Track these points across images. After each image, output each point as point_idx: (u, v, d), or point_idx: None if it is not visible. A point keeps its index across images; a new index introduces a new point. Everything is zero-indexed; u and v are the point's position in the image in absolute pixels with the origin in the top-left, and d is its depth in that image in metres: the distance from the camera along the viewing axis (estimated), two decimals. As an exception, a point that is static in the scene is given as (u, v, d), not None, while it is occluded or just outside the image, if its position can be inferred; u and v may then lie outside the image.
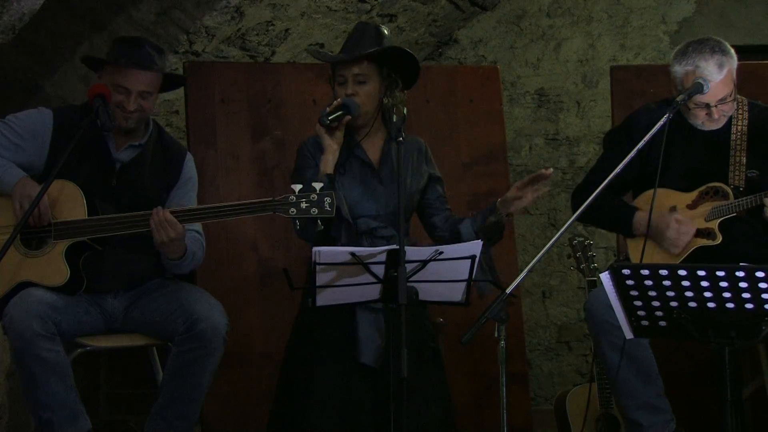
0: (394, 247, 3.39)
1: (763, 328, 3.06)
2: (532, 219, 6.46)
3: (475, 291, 3.60)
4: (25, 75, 4.95)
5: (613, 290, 3.15)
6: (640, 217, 3.97)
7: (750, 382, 4.31)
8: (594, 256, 4.51)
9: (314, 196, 3.54)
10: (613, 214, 4.06)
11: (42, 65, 4.93)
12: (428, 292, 3.46)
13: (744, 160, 3.93)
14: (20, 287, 3.75)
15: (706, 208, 3.92)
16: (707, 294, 3.04)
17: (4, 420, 4.84)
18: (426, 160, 3.98)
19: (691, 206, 3.96)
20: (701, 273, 3.01)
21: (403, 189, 3.70)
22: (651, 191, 3.90)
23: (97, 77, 3.94)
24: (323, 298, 3.44)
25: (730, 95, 3.90)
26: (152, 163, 3.99)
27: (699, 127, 3.98)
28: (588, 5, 6.42)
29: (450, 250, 3.44)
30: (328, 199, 3.54)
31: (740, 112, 4.00)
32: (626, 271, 3.08)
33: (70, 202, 3.78)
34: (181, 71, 5.05)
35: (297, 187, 3.57)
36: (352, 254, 3.36)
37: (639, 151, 3.54)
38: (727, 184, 3.92)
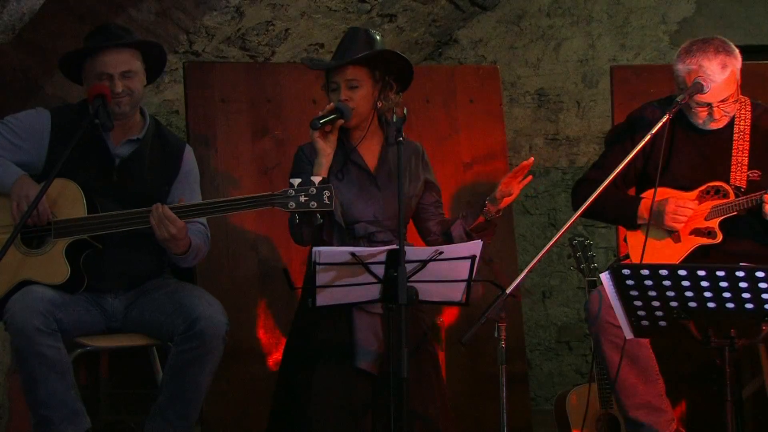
0: (394, 247, 3.39)
1: (763, 328, 3.06)
2: (532, 219, 6.46)
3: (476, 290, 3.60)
4: (25, 75, 4.95)
5: (613, 290, 3.15)
6: (646, 205, 3.97)
7: (750, 382, 4.31)
8: (594, 256, 4.51)
9: (313, 190, 3.56)
10: (618, 206, 4.05)
11: (42, 65, 4.93)
12: (428, 292, 3.46)
13: (746, 160, 3.94)
14: (21, 286, 3.75)
15: (706, 207, 3.93)
16: (707, 294, 3.04)
17: (4, 420, 4.84)
18: (423, 164, 3.99)
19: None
20: (701, 273, 3.01)
21: (403, 188, 3.70)
22: (652, 190, 3.91)
23: (83, 80, 3.93)
24: (323, 298, 3.44)
25: (733, 95, 3.90)
26: (151, 157, 3.99)
27: (701, 127, 3.98)
28: (588, 5, 6.42)
29: (450, 250, 3.45)
30: (327, 193, 3.55)
31: (743, 112, 3.99)
32: (626, 271, 3.08)
33: (69, 200, 3.79)
34: (181, 71, 5.06)
35: (296, 182, 3.58)
36: (352, 254, 3.36)
37: (643, 148, 3.54)
38: (728, 183, 3.92)
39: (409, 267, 3.36)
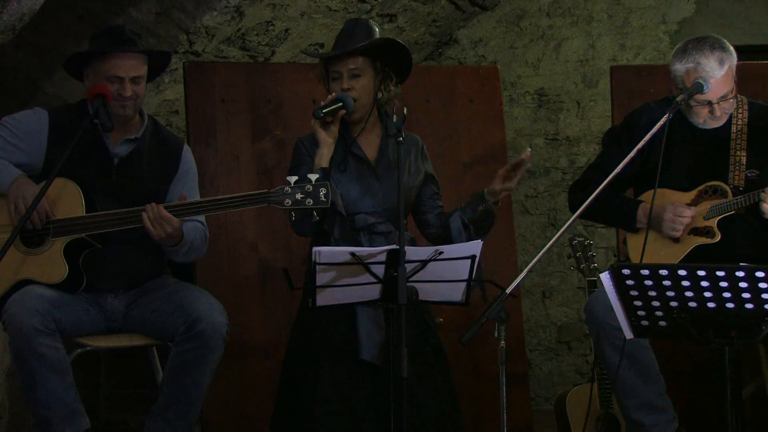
0: (394, 247, 3.39)
1: (763, 328, 3.06)
2: (532, 219, 6.46)
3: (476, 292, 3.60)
4: (25, 75, 4.95)
5: (613, 290, 3.15)
6: (645, 209, 3.98)
7: (750, 382, 4.31)
8: (594, 256, 4.51)
9: (309, 187, 3.57)
10: (617, 208, 4.06)
11: (42, 65, 4.93)
12: (428, 292, 3.46)
13: (744, 159, 3.93)
14: (20, 285, 3.75)
15: (705, 206, 3.93)
16: (707, 294, 3.03)
17: (4, 420, 4.84)
18: (422, 157, 3.99)
19: (691, 205, 3.96)
20: (701, 273, 3.01)
21: (403, 188, 3.70)
22: (651, 191, 3.90)
23: (85, 78, 3.93)
24: (323, 298, 3.44)
25: (732, 92, 3.90)
26: (150, 156, 3.99)
27: (699, 126, 3.97)
28: (588, 5, 6.42)
29: (450, 250, 3.45)
30: (323, 190, 3.56)
31: (740, 111, 3.99)
32: (626, 271, 3.08)
33: (68, 200, 3.79)
34: (181, 71, 5.06)
35: (292, 179, 3.59)
36: (352, 254, 3.36)
37: (641, 149, 3.54)
38: (726, 183, 3.92)
39: (409, 267, 3.36)
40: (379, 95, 3.87)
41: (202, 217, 3.98)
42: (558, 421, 4.60)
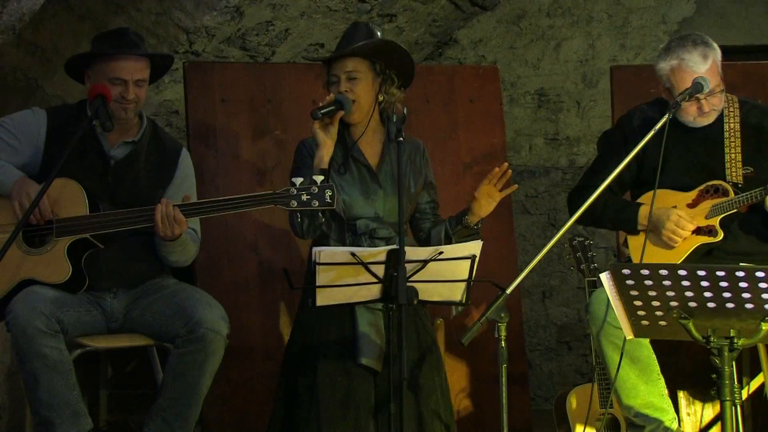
0: (394, 247, 3.39)
1: (763, 328, 3.05)
2: (532, 219, 6.46)
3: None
4: (25, 75, 4.95)
5: (613, 290, 3.14)
6: (646, 212, 3.98)
7: (750, 382, 4.31)
8: (594, 256, 4.51)
9: (315, 189, 3.56)
10: (617, 212, 4.06)
11: (42, 65, 4.93)
12: (428, 292, 3.46)
13: (739, 156, 3.94)
14: (22, 285, 3.75)
15: (706, 206, 3.93)
16: (707, 294, 3.03)
17: (4, 420, 4.84)
18: (424, 162, 3.99)
19: (692, 205, 3.97)
20: (701, 273, 3.01)
21: (404, 189, 3.70)
22: (650, 192, 3.92)
23: (86, 79, 3.92)
24: (323, 298, 3.44)
25: (718, 86, 3.91)
26: (147, 159, 3.99)
27: (691, 125, 3.97)
28: (588, 5, 6.42)
29: (450, 250, 3.45)
30: (329, 192, 3.56)
31: (731, 109, 4.00)
32: (626, 271, 3.08)
33: (71, 199, 3.79)
34: (181, 71, 5.05)
35: (298, 180, 3.58)
36: (352, 254, 3.36)
37: (636, 152, 3.54)
38: (725, 180, 3.93)
39: (409, 267, 3.36)
40: (380, 98, 3.86)
41: (197, 225, 3.97)
42: (558, 421, 4.59)
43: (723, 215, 3.88)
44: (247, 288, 4.90)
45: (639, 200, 4.11)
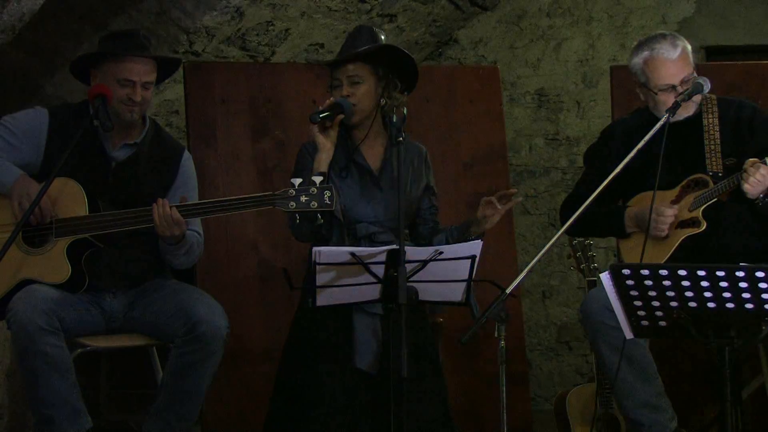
0: (394, 247, 3.39)
1: (763, 328, 3.06)
2: (532, 219, 6.46)
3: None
4: (25, 75, 4.95)
5: (613, 290, 3.15)
6: (632, 214, 4.03)
7: (750, 382, 4.31)
8: (594, 256, 4.51)
9: (314, 190, 3.56)
10: (604, 220, 4.11)
11: (42, 65, 4.93)
12: (428, 292, 3.46)
13: (719, 147, 3.97)
14: (22, 285, 3.75)
15: (689, 199, 3.95)
16: (707, 294, 3.03)
17: (4, 420, 4.84)
18: (426, 167, 3.98)
19: (675, 201, 3.99)
20: (701, 273, 3.01)
21: (403, 190, 3.70)
22: (639, 195, 4.04)
23: (92, 79, 3.92)
24: (323, 298, 3.44)
25: (692, 73, 3.96)
26: (148, 161, 3.99)
27: (669, 120, 3.99)
28: (588, 5, 6.42)
29: (450, 250, 3.45)
30: (327, 193, 3.55)
31: (709, 106, 4.04)
32: (626, 271, 3.08)
33: (71, 199, 3.79)
34: (181, 71, 5.05)
35: (297, 181, 3.58)
36: (352, 254, 3.36)
37: (620, 159, 3.58)
38: (705, 172, 3.95)
39: (409, 267, 3.36)
40: (382, 102, 3.85)
41: (198, 226, 3.97)
42: (558, 421, 4.60)
43: (705, 205, 3.91)
44: (247, 288, 4.90)
45: (628, 204, 4.14)
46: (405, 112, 3.84)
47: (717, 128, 4.01)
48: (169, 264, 4.00)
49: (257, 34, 5.41)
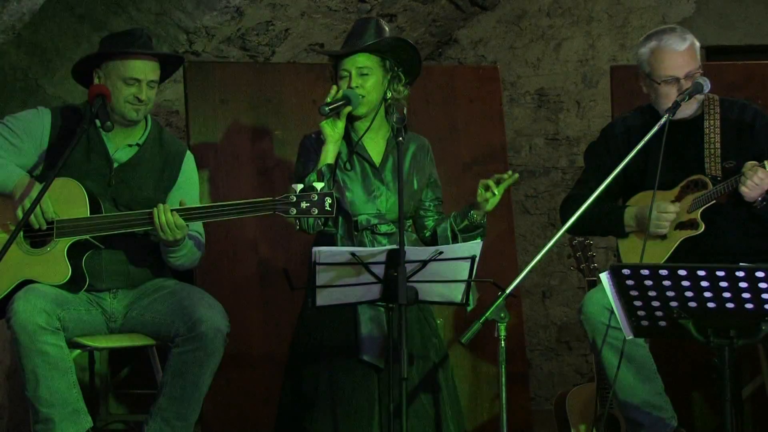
0: (394, 247, 3.39)
1: (763, 328, 3.06)
2: (532, 219, 6.46)
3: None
4: (25, 75, 4.95)
5: (613, 290, 3.14)
6: (631, 213, 4.02)
7: (750, 382, 4.31)
8: (594, 256, 4.51)
9: (315, 196, 3.55)
10: (604, 219, 4.11)
11: (42, 65, 4.93)
12: (428, 292, 3.46)
13: (718, 151, 3.97)
14: (22, 285, 3.75)
15: (688, 200, 3.95)
16: (707, 294, 3.03)
17: (4, 420, 4.84)
18: (430, 160, 3.99)
19: (674, 201, 3.99)
20: (701, 273, 3.00)
21: (404, 188, 3.70)
22: (639, 195, 4.03)
23: (95, 79, 3.92)
24: (323, 298, 3.44)
25: (698, 69, 3.95)
26: (150, 163, 3.98)
27: (671, 119, 3.98)
28: (588, 5, 6.42)
29: (450, 250, 3.45)
30: (328, 200, 3.54)
31: (711, 107, 4.04)
32: (626, 271, 3.08)
33: (72, 200, 3.78)
34: (181, 71, 5.05)
35: (298, 187, 3.57)
36: (353, 254, 3.36)
37: (621, 158, 3.58)
38: (704, 174, 3.95)
39: (409, 267, 3.36)
40: (388, 95, 3.86)
41: (200, 227, 3.97)
42: (558, 421, 4.60)
43: (703, 207, 3.91)
44: (247, 288, 4.90)
45: (627, 203, 4.14)
46: (405, 111, 3.85)
47: (717, 130, 4.01)
48: (171, 266, 3.99)
49: (257, 34, 5.42)
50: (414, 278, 3.38)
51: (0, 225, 3.82)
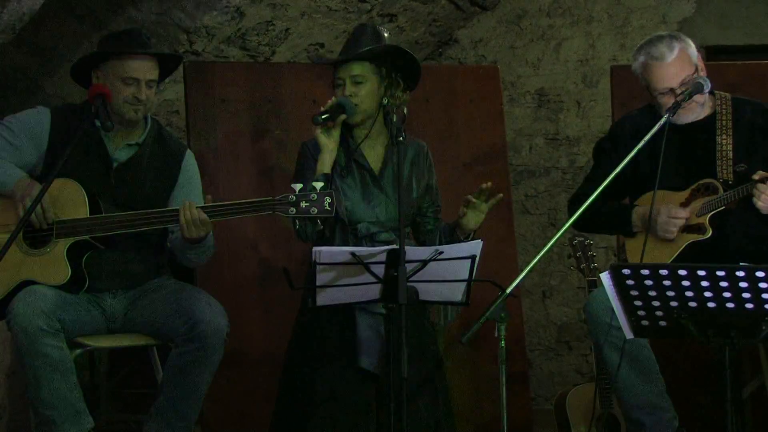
0: (394, 246, 3.39)
1: (763, 328, 3.06)
2: (532, 219, 6.46)
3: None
4: (25, 75, 4.96)
5: (614, 290, 3.15)
6: (639, 213, 4.01)
7: (750, 382, 4.31)
8: (594, 256, 4.52)
9: (314, 196, 3.55)
10: (612, 216, 4.10)
11: (42, 65, 4.93)
12: (428, 292, 3.46)
13: (731, 153, 3.96)
14: (22, 286, 3.75)
15: (697, 204, 3.95)
16: (707, 294, 3.03)
17: (4, 420, 4.84)
18: (428, 165, 3.98)
19: (685, 204, 3.99)
20: (701, 273, 3.01)
21: (405, 190, 3.70)
22: (647, 195, 3.99)
23: (94, 79, 3.92)
24: (323, 298, 3.44)
25: (693, 73, 3.93)
26: (150, 162, 3.98)
27: (679, 123, 3.98)
28: (588, 5, 6.42)
29: (450, 250, 3.45)
30: (328, 199, 3.54)
31: (724, 107, 4.02)
32: (626, 271, 3.08)
33: (72, 200, 3.78)
34: (181, 71, 5.06)
35: (297, 187, 3.57)
36: (353, 254, 3.36)
37: (631, 155, 3.57)
38: (715, 178, 3.95)
39: (409, 267, 3.36)
40: (384, 101, 3.85)
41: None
42: (558, 421, 4.60)
43: (712, 212, 3.90)
44: (247, 288, 4.90)
45: (636, 203, 4.13)
46: (405, 111, 3.84)
47: (730, 132, 3.98)
48: (182, 262, 3.99)
49: (257, 34, 5.42)
50: (414, 278, 3.38)
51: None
